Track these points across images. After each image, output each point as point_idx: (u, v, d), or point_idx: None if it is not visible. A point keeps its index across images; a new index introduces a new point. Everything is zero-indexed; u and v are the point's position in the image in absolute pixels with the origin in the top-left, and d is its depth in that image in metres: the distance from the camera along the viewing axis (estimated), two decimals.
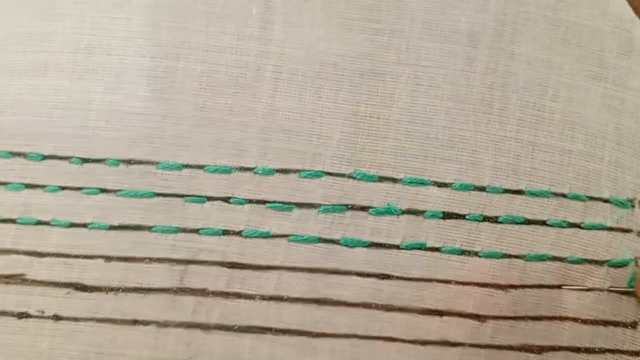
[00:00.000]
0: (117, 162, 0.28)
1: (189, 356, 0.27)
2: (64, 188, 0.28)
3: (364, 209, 0.28)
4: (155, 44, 0.28)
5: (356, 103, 0.28)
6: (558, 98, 0.29)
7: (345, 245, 0.28)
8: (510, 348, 0.28)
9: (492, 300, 0.28)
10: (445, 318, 0.27)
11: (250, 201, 0.28)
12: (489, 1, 0.29)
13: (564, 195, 0.28)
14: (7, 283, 0.27)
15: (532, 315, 0.28)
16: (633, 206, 0.29)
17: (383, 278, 0.28)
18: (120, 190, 0.27)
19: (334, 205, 0.28)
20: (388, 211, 0.28)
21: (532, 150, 0.28)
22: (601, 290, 0.28)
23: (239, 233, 0.27)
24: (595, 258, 0.28)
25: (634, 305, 0.28)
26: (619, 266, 0.28)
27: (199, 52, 0.28)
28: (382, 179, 0.28)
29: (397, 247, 0.28)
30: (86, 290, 0.27)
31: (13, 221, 0.27)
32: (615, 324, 0.28)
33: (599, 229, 0.28)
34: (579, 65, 0.29)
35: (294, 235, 0.28)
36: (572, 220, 0.28)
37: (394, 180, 0.28)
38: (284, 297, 0.27)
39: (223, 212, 0.28)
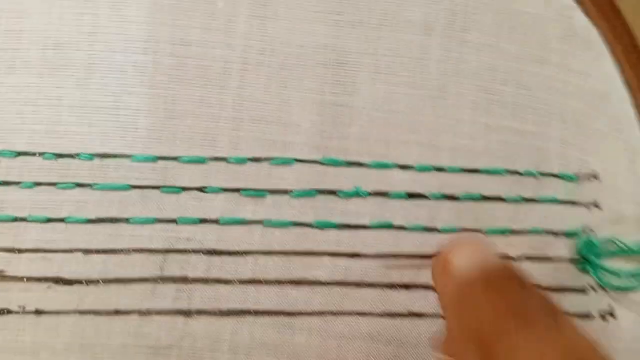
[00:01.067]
0: (91, 156, 0.29)
1: (172, 342, 0.29)
2: (39, 184, 0.29)
3: (333, 192, 0.30)
4: (123, 39, 0.29)
5: (321, 92, 0.30)
6: (507, 82, 0.32)
7: (318, 228, 0.30)
8: None
9: None
10: (412, 290, 0.30)
11: (225, 190, 0.30)
12: None
13: (518, 173, 0.31)
14: None
15: None
16: (579, 180, 0.32)
17: (354, 257, 0.30)
18: (95, 184, 0.29)
19: (305, 190, 0.30)
20: (356, 194, 0.30)
21: (486, 131, 0.31)
22: (559, 259, 0.31)
23: (215, 221, 0.29)
24: (552, 229, 0.31)
25: (582, 273, 0.31)
26: (572, 236, 0.32)
27: (167, 45, 0.30)
28: (349, 164, 0.30)
29: (366, 227, 0.30)
30: (67, 284, 0.28)
31: None
32: (569, 289, 0.31)
33: (552, 202, 0.32)
34: (524, 50, 0.32)
35: (268, 220, 0.30)
36: (527, 196, 0.31)
37: (360, 164, 0.30)
38: (262, 280, 0.29)
39: (199, 201, 0.29)
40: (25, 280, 0.28)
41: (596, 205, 0.32)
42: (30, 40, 0.29)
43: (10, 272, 0.28)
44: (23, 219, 0.28)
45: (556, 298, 0.29)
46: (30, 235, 0.28)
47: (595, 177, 0.32)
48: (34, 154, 0.29)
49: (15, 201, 0.28)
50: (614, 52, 0.33)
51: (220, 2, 0.30)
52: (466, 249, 0.23)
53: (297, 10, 0.30)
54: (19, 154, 0.28)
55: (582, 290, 0.31)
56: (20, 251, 0.28)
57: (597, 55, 0.33)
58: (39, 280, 0.28)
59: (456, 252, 0.23)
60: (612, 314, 0.31)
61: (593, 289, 0.31)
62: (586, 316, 0.31)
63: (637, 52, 0.33)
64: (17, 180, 0.28)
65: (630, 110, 0.33)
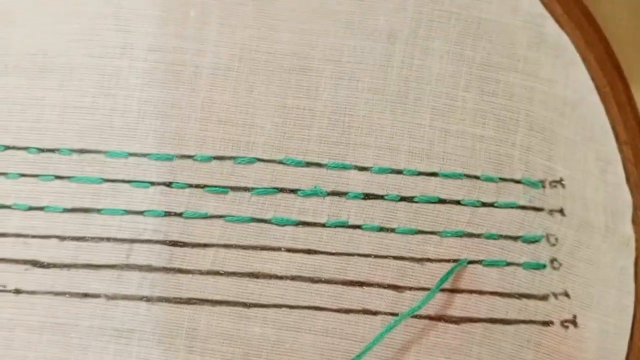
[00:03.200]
0: (70, 151, 0.33)
1: (135, 326, 0.32)
2: (23, 175, 0.33)
3: (293, 191, 0.33)
4: (102, 45, 0.34)
5: (285, 96, 0.34)
6: (470, 88, 0.34)
7: (276, 224, 0.33)
8: (429, 317, 0.33)
9: (408, 272, 0.33)
10: (365, 288, 0.33)
11: (190, 185, 0.33)
12: (407, 1, 0.34)
13: (476, 177, 0.33)
14: None
15: (450, 288, 0.33)
16: (544, 187, 0.34)
17: (310, 253, 0.33)
18: (72, 177, 0.33)
19: (265, 188, 0.33)
20: (315, 193, 0.33)
21: (445, 136, 0.34)
22: (517, 264, 0.33)
23: (180, 214, 0.33)
24: (510, 234, 0.33)
25: (545, 279, 0.33)
26: (532, 242, 0.33)
27: (142, 51, 0.34)
28: (309, 164, 0.33)
29: (323, 225, 0.33)
30: (43, 267, 0.33)
31: None
32: (528, 296, 0.33)
33: (512, 208, 0.33)
34: (489, 57, 0.34)
35: (229, 215, 0.33)
36: (485, 200, 0.33)
37: (319, 165, 0.33)
38: (220, 272, 0.33)
39: (165, 195, 0.33)
40: (6, 261, 0.33)
41: (561, 212, 0.33)
42: (19, 47, 0.34)
43: None
44: (7, 207, 0.33)
45: (515, 304, 0.32)
46: (13, 222, 0.33)
47: (561, 184, 0.33)
48: (19, 148, 0.33)
49: (1, 190, 0.33)
50: (586, 60, 0.34)
51: (192, 11, 0.34)
52: None
53: (265, 19, 0.34)
54: (7, 147, 0.33)
55: (543, 297, 0.33)
56: (3, 235, 0.33)
57: (568, 62, 0.34)
58: (18, 262, 0.33)
59: None
60: (574, 322, 0.33)
61: (554, 295, 0.33)
62: (546, 323, 0.32)
63: (611, 59, 0.35)
64: (4, 171, 0.33)
65: (604, 119, 0.34)
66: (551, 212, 0.33)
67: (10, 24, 0.34)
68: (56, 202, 0.33)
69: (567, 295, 0.33)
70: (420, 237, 0.33)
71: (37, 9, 0.34)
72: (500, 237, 0.33)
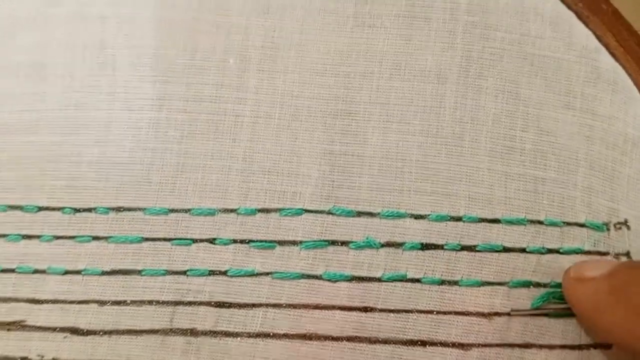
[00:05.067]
0: (107, 210, 0.32)
1: None
2: (58, 237, 0.32)
3: (344, 243, 0.32)
4: (139, 97, 0.33)
5: (331, 142, 0.32)
6: (528, 128, 0.32)
7: (328, 280, 0.31)
8: None
9: (475, 328, 0.31)
10: (428, 348, 0.31)
11: (235, 241, 0.32)
12: (455, 39, 0.33)
13: (540, 222, 0.32)
14: (8, 330, 0.31)
15: (519, 343, 0.31)
16: (608, 229, 0.32)
17: (366, 311, 0.31)
18: (110, 237, 0.32)
19: (315, 241, 0.31)
20: (368, 245, 0.31)
21: (506, 179, 0.32)
22: None
23: (224, 273, 0.31)
24: None
25: None
26: None
27: (180, 102, 0.33)
28: (360, 213, 0.32)
29: (379, 279, 0.31)
30: (82, 334, 0.31)
31: (12, 270, 0.31)
32: (595, 346, 0.31)
33: (577, 253, 0.32)
34: (546, 95, 0.33)
35: (277, 272, 0.31)
36: (550, 246, 0.32)
37: (371, 214, 0.32)
38: (270, 334, 0.31)
39: (209, 253, 0.31)
40: (43, 329, 0.31)
41: (627, 255, 0.31)
42: (53, 102, 0.32)
43: (30, 321, 0.31)
44: (42, 271, 0.31)
45: (580, 355, 0.30)
46: (49, 287, 0.31)
47: (626, 225, 0.32)
48: (53, 209, 0.32)
49: (36, 253, 0.31)
50: None
51: (231, 59, 0.33)
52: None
53: (307, 64, 0.33)
54: (40, 208, 0.32)
55: (608, 345, 0.31)
56: (39, 302, 0.31)
57: (626, 98, 0.33)
58: (56, 330, 0.31)
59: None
60: None
61: None
62: None
63: None
64: (38, 233, 0.32)
65: None
66: (617, 255, 0.32)
67: (43, 78, 0.33)
68: (94, 264, 0.31)
69: None
70: (485, 289, 0.31)
71: (73, 61, 0.33)
72: None
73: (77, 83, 0.33)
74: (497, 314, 0.31)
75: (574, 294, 0.30)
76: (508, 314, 0.31)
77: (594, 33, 0.34)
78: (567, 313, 0.30)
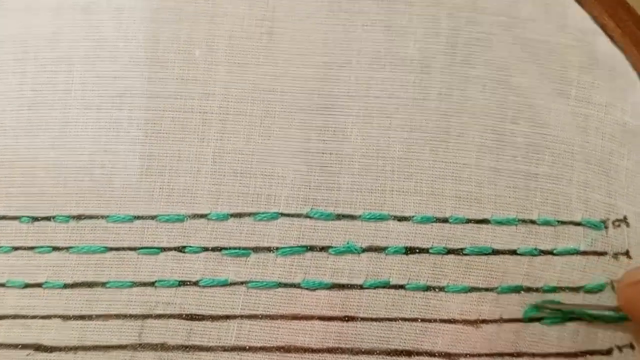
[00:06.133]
0: (67, 218, 0.30)
1: None
2: (16, 248, 0.30)
3: (323, 249, 0.30)
4: (97, 95, 0.30)
5: (307, 140, 0.30)
6: (519, 119, 0.30)
7: (307, 289, 0.29)
8: None
9: (462, 337, 0.29)
10: (414, 358, 0.29)
11: (206, 249, 0.30)
12: (440, 24, 0.31)
13: (532, 222, 0.30)
14: None
15: (509, 352, 0.29)
16: (606, 227, 0.30)
17: (347, 320, 0.29)
18: (71, 247, 0.29)
19: (292, 247, 0.30)
20: (348, 250, 0.29)
21: (495, 176, 0.30)
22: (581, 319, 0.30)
23: (195, 283, 0.29)
24: (571, 285, 0.30)
25: (609, 332, 0.29)
26: (595, 291, 0.30)
27: (142, 99, 0.30)
28: (339, 216, 0.30)
29: (360, 286, 0.29)
30: (46, 351, 0.29)
31: None
32: (592, 352, 0.29)
33: (572, 254, 0.30)
34: (538, 83, 0.30)
35: (252, 281, 0.29)
36: (543, 248, 0.30)
37: (352, 217, 0.30)
38: (246, 347, 0.29)
39: (178, 262, 0.29)
40: (5, 346, 0.29)
41: (627, 255, 0.30)
42: (4, 102, 0.30)
43: None
44: (1, 285, 0.29)
45: None
46: (9, 301, 0.29)
47: (625, 222, 0.30)
48: (10, 218, 0.29)
49: None
50: None
51: (197, 50, 0.30)
52: None
53: (279, 54, 0.30)
54: None
55: (607, 352, 0.29)
56: None
57: (625, 84, 0.31)
58: (17, 347, 0.29)
59: None
60: None
61: (619, 348, 0.29)
62: None
63: None
64: None
65: None
66: (616, 255, 0.30)
67: None
68: (55, 277, 0.29)
69: (632, 347, 0.30)
70: (473, 295, 0.29)
71: (25, 56, 0.30)
72: (560, 289, 0.29)
73: (29, 80, 0.30)
74: (485, 321, 0.29)
75: (630, 299, 0.28)
76: (497, 321, 0.29)
77: (590, 14, 0.31)
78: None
